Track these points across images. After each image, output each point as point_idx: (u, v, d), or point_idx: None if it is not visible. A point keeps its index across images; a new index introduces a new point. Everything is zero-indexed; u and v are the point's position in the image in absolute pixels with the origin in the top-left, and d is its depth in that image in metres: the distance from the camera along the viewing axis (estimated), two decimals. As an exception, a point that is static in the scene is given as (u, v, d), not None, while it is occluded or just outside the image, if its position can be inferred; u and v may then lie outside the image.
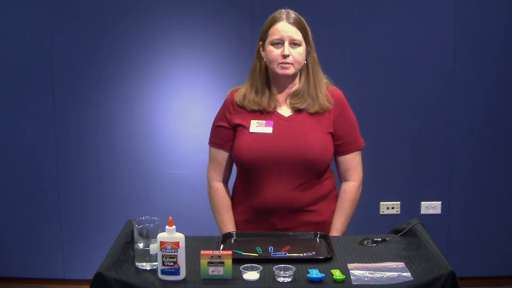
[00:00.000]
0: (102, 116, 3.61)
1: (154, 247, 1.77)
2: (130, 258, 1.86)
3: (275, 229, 2.21)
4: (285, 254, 1.91)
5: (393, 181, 3.69)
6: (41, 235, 3.69)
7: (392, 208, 3.71)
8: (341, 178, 2.32)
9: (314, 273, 1.72)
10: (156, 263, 1.76)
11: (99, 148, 3.63)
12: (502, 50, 3.59)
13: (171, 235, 1.72)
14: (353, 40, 3.57)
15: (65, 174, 3.65)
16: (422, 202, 3.71)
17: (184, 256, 1.73)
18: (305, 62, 2.21)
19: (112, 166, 3.65)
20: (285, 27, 2.15)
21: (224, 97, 2.31)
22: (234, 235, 2.12)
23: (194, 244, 2.00)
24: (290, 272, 1.71)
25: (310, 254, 1.91)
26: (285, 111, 2.23)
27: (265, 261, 1.82)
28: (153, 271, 1.77)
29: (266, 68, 2.22)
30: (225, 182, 2.35)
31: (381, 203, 3.70)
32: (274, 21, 2.18)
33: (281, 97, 2.24)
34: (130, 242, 1.93)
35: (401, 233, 2.07)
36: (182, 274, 1.73)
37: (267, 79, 2.24)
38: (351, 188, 2.29)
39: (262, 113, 2.22)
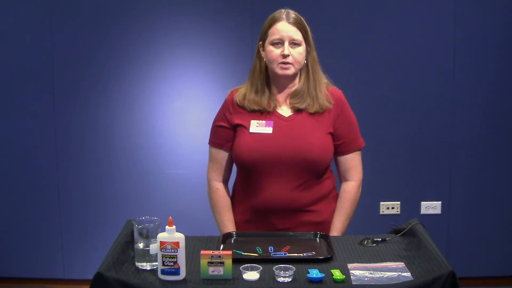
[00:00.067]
0: (102, 116, 3.61)
1: (154, 247, 1.77)
2: (130, 258, 1.86)
3: (275, 229, 2.21)
4: (285, 254, 1.91)
5: (393, 181, 3.69)
6: (41, 235, 3.69)
7: (392, 208, 3.71)
8: (341, 178, 2.32)
9: (314, 273, 1.72)
10: (156, 263, 1.76)
11: (99, 148, 3.63)
12: (502, 50, 3.59)
13: (171, 235, 1.72)
14: (353, 40, 3.57)
15: (65, 174, 3.65)
16: (422, 202, 3.71)
17: (184, 256, 1.73)
18: (305, 62, 2.21)
19: (112, 166, 3.65)
20: (285, 27, 2.16)
21: (224, 97, 2.31)
22: (234, 235, 2.12)
23: (194, 244, 2.00)
24: (290, 272, 1.71)
25: (310, 254, 1.91)
26: (285, 111, 2.23)
27: (265, 261, 1.82)
28: (153, 271, 1.77)
29: (266, 68, 2.22)
30: (225, 182, 2.35)
31: (381, 203, 3.70)
32: (274, 21, 2.18)
33: (281, 97, 2.24)
34: (130, 242, 1.93)
35: (401, 233, 2.07)
36: (182, 274, 1.73)
37: (267, 79, 2.24)
38: (351, 188, 2.29)
39: (262, 113, 2.22)
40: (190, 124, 3.62)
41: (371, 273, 1.76)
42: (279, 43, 2.16)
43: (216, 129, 2.30)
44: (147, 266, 1.80)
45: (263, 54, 2.22)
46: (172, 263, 1.71)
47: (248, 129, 2.20)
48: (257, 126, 2.20)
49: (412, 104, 3.63)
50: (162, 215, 1.89)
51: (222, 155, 2.29)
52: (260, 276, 1.72)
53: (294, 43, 2.16)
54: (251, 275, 1.71)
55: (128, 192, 3.65)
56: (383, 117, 3.63)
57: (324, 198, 2.26)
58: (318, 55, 2.25)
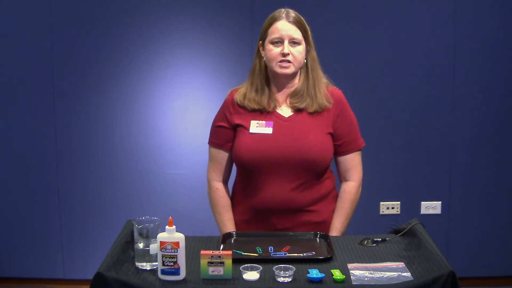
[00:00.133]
0: (102, 116, 3.61)
1: (154, 247, 1.77)
2: (130, 258, 1.86)
3: (274, 229, 2.21)
4: (285, 254, 1.91)
5: (393, 181, 3.69)
6: (41, 235, 3.69)
7: (392, 208, 3.71)
8: (341, 178, 2.32)
9: (314, 273, 1.72)
10: (156, 263, 1.76)
11: (99, 148, 3.63)
12: (502, 50, 3.59)
13: (171, 235, 1.72)
14: (353, 40, 3.57)
15: (65, 174, 3.65)
16: (422, 202, 3.71)
17: (184, 256, 1.73)
18: (305, 61, 2.21)
19: (112, 166, 3.65)
20: (284, 26, 2.16)
21: (224, 97, 2.31)
22: (234, 235, 2.12)
23: (194, 244, 2.00)
24: (290, 272, 1.71)
25: (310, 254, 1.91)
26: (285, 111, 2.23)
27: (265, 261, 1.82)
28: (153, 271, 1.77)
29: (266, 67, 2.22)
30: (225, 182, 2.35)
31: (381, 203, 3.70)
32: (274, 20, 2.18)
33: (280, 96, 2.24)
34: (130, 242, 1.93)
35: (401, 233, 2.07)
36: (182, 274, 1.73)
37: (267, 78, 2.24)
38: (351, 188, 2.29)
39: (262, 113, 2.22)
40: (190, 124, 3.62)
41: (371, 273, 1.76)
42: (278, 42, 2.16)
43: (216, 129, 2.30)
44: (147, 266, 1.80)
45: (263, 53, 2.22)
46: (172, 263, 1.71)
47: (248, 129, 2.21)
48: (257, 127, 2.20)
49: (412, 104, 3.63)
50: (162, 215, 1.89)
51: (222, 155, 2.29)
52: (260, 276, 1.72)
53: (293, 42, 2.16)
54: (251, 275, 1.71)
55: (128, 192, 3.65)
56: (383, 117, 3.63)
57: (324, 198, 2.26)
58: (318, 54, 2.25)
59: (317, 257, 1.88)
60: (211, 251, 1.72)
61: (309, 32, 2.20)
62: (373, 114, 3.59)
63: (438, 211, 3.71)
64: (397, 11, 3.56)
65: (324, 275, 1.71)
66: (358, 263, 1.85)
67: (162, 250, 1.71)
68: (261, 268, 1.73)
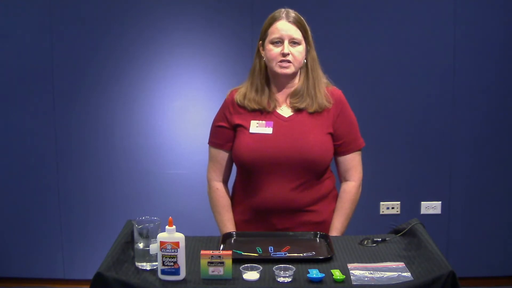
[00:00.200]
0: (102, 116, 3.61)
1: (154, 247, 1.77)
2: (130, 258, 1.86)
3: (274, 229, 2.21)
4: (285, 254, 1.91)
5: (393, 181, 3.69)
6: (41, 235, 3.69)
7: (392, 208, 3.71)
8: (341, 178, 2.32)
9: (314, 273, 1.72)
10: (156, 263, 1.76)
11: (99, 148, 3.63)
12: (502, 50, 3.59)
13: (171, 235, 1.72)
14: (353, 40, 3.57)
15: (65, 174, 3.65)
16: (422, 202, 3.71)
17: (184, 256, 1.73)
18: (305, 61, 2.21)
19: (112, 166, 3.65)
20: (284, 26, 2.16)
21: (224, 97, 2.31)
22: (234, 235, 2.12)
23: (194, 244, 2.00)
24: (290, 272, 1.71)
25: (310, 254, 1.91)
26: (285, 111, 2.23)
27: (265, 261, 1.82)
28: (153, 271, 1.77)
29: (266, 67, 2.22)
30: (225, 182, 2.35)
31: (381, 203, 3.70)
32: (274, 20, 2.18)
33: (280, 96, 2.24)
34: (130, 242, 1.93)
35: (401, 233, 2.07)
36: (182, 274, 1.73)
37: (267, 78, 2.24)
38: (351, 188, 2.29)
39: (262, 113, 2.22)
40: (190, 124, 3.62)
41: (371, 273, 1.76)
42: (278, 42, 2.16)
43: (216, 129, 2.30)
44: (147, 266, 1.80)
45: (263, 53, 2.22)
46: (172, 263, 1.71)
47: (248, 130, 2.21)
48: (257, 127, 2.20)
49: (412, 104, 3.63)
50: (162, 215, 1.89)
51: (222, 155, 2.29)
52: (260, 276, 1.72)
53: (293, 42, 2.16)
54: (251, 275, 1.71)
55: (128, 192, 3.65)
56: (383, 117, 3.63)
57: (324, 198, 2.26)
58: (318, 55, 2.25)
59: (317, 257, 1.88)
60: (211, 251, 1.72)
61: (309, 32, 2.20)
62: (373, 114, 3.59)
63: (438, 211, 3.71)
64: (397, 11, 3.56)
65: (324, 275, 1.71)
66: (358, 263, 1.85)
67: (162, 250, 1.71)
68: (261, 268, 1.73)
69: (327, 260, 1.86)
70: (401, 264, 1.83)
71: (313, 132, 2.19)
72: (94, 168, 3.65)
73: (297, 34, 2.16)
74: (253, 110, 2.22)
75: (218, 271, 1.71)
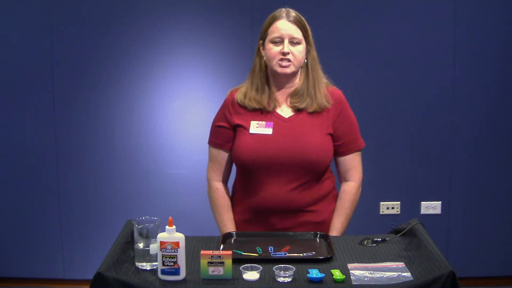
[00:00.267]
0: (102, 116, 3.61)
1: (154, 247, 1.77)
2: (130, 258, 1.86)
3: (274, 229, 2.21)
4: (285, 254, 1.91)
5: (393, 181, 3.69)
6: (41, 235, 3.69)
7: (392, 208, 3.71)
8: (341, 178, 2.32)
9: (314, 273, 1.72)
10: (156, 263, 1.76)
11: (99, 148, 3.63)
12: (502, 50, 3.59)
13: (171, 235, 1.72)
14: (353, 40, 3.57)
15: (65, 174, 3.65)
16: (422, 202, 3.71)
17: (184, 256, 1.73)
18: (305, 61, 2.21)
19: (112, 166, 3.65)
20: (284, 25, 2.16)
21: (224, 97, 2.31)
22: (234, 235, 2.12)
23: (194, 244, 2.00)
24: (290, 272, 1.71)
25: (310, 254, 1.91)
26: (285, 111, 2.23)
27: (265, 261, 1.82)
28: (153, 271, 1.77)
29: (266, 67, 2.22)
30: (225, 182, 2.35)
31: (381, 203, 3.70)
32: (274, 19, 2.18)
33: (280, 96, 2.24)
34: (130, 242, 1.93)
35: (401, 233, 2.07)
36: (182, 274, 1.73)
37: (267, 78, 2.24)
38: (350, 188, 2.29)
39: (262, 113, 2.22)
40: (190, 124, 3.62)
41: (371, 273, 1.76)
42: (279, 41, 2.16)
43: (216, 129, 2.30)
44: (147, 266, 1.80)
45: (263, 53, 2.22)
46: (172, 263, 1.71)
47: (248, 130, 2.20)
48: (257, 127, 2.20)
49: (412, 104, 3.63)
50: (162, 215, 1.89)
51: (222, 155, 2.29)
52: (260, 276, 1.72)
53: (294, 42, 2.16)
54: (251, 275, 1.71)
55: (128, 192, 3.65)
56: (383, 117, 3.63)
57: (324, 198, 2.26)
58: (318, 54, 2.25)
59: (317, 257, 1.88)
60: (211, 251, 1.72)
61: (310, 32, 2.20)
62: (373, 114, 3.59)
63: (438, 211, 3.71)
64: (397, 11, 3.56)
65: (324, 275, 1.71)
66: (358, 263, 1.85)
67: (162, 250, 1.71)
68: (261, 268, 1.73)
69: (327, 260, 1.86)
70: (401, 264, 1.83)
71: (313, 133, 2.19)
72: (94, 168, 3.65)
73: (297, 33, 2.16)
74: (254, 110, 2.22)
75: (218, 271, 1.71)
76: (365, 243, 2.02)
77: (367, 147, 2.34)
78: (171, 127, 3.65)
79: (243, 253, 1.91)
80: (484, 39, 3.57)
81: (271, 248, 1.96)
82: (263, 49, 2.21)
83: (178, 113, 3.64)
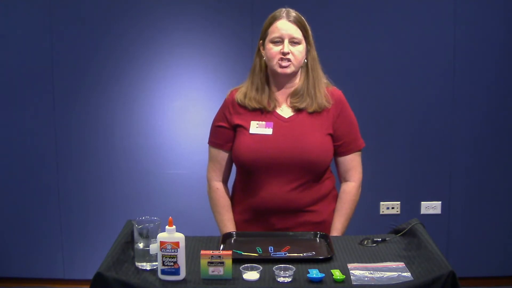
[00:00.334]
0: (102, 116, 3.61)
1: (154, 247, 1.77)
2: (130, 258, 1.86)
3: (274, 229, 2.21)
4: (285, 254, 1.91)
5: (393, 181, 3.69)
6: (41, 235, 3.69)
7: (392, 208, 3.71)
8: (341, 178, 2.32)
9: (314, 273, 1.72)
10: (156, 263, 1.76)
11: (99, 148, 3.63)
12: (502, 50, 3.59)
13: (171, 235, 1.72)
14: (353, 40, 3.57)
15: (65, 174, 3.65)
16: (422, 202, 3.71)
17: (184, 256, 1.73)
18: (305, 61, 2.21)
19: (112, 166, 3.65)
20: (285, 25, 2.16)
21: (224, 97, 2.31)
22: (234, 235, 2.12)
23: (194, 244, 1.99)
24: (290, 272, 1.71)
25: (310, 254, 1.91)
26: (285, 111, 2.23)
27: (265, 261, 1.82)
28: (153, 271, 1.77)
29: (266, 66, 2.22)
30: (225, 181, 2.35)
31: (381, 203, 3.70)
32: (274, 19, 2.18)
33: (280, 96, 2.24)
34: (130, 242, 1.93)
35: (401, 233, 2.07)
36: (182, 274, 1.73)
37: (267, 77, 2.24)
38: (351, 188, 2.29)
39: (262, 113, 2.22)
40: (190, 124, 3.62)
41: (371, 273, 1.76)
42: (279, 41, 2.16)
43: (216, 129, 2.30)
44: (147, 266, 1.80)
45: (263, 52, 2.22)
46: (172, 263, 1.71)
47: (248, 130, 2.20)
48: (257, 127, 2.20)
49: (412, 104, 3.63)
50: (162, 215, 1.89)
51: (222, 155, 2.29)
52: (260, 276, 1.72)
53: (294, 42, 2.16)
54: (251, 275, 1.71)
55: (128, 192, 3.65)
56: (383, 117, 3.63)
57: (323, 198, 2.26)
58: (318, 54, 2.25)
59: (317, 257, 1.88)
60: (211, 251, 1.72)
61: (310, 32, 2.20)
62: (373, 114, 3.59)
63: (438, 211, 3.71)
64: (397, 11, 3.56)
65: (324, 275, 1.71)
66: (358, 263, 1.85)
67: (162, 250, 1.71)
68: (261, 268, 1.73)
69: (327, 260, 1.86)
70: (401, 264, 1.83)
71: (313, 133, 2.19)
72: (94, 168, 3.65)
73: (297, 33, 2.16)
74: (254, 110, 2.22)
75: (218, 271, 1.71)
76: (365, 243, 2.02)
77: (367, 147, 2.34)
78: (171, 127, 3.65)
79: (243, 253, 1.91)
80: (484, 39, 3.57)
81: (271, 248, 1.96)
82: (263, 49, 2.21)
83: (178, 113, 3.64)
